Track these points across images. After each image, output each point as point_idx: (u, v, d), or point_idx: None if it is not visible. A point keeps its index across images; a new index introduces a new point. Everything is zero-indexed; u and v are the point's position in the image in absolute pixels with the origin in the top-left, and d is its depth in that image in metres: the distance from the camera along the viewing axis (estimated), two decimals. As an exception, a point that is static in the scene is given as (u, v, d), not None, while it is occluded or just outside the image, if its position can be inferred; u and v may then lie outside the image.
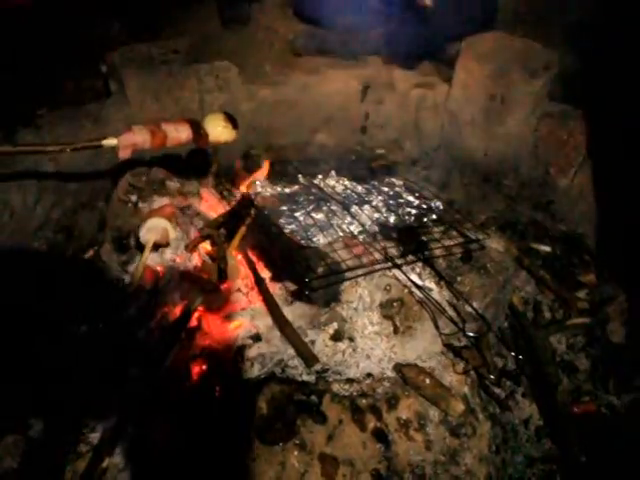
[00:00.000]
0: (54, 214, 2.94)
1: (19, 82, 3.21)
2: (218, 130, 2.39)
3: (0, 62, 3.25)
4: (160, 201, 2.80)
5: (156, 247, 2.56)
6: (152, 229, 2.55)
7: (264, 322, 2.33)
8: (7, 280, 2.45)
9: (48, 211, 2.90)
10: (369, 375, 2.18)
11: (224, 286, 2.35)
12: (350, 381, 2.13)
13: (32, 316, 2.34)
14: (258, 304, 2.40)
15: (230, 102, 3.58)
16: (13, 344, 2.20)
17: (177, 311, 2.32)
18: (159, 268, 2.53)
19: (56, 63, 3.50)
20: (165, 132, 2.25)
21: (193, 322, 2.30)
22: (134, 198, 2.78)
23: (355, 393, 2.09)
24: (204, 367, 2.20)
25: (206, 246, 2.55)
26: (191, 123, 2.33)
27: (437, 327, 2.27)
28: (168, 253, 2.59)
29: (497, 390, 2.40)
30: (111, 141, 2.18)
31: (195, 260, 2.55)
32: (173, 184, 2.92)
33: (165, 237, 2.58)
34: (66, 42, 3.64)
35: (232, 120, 2.43)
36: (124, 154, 2.21)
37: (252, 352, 2.23)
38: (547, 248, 3.17)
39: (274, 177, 2.93)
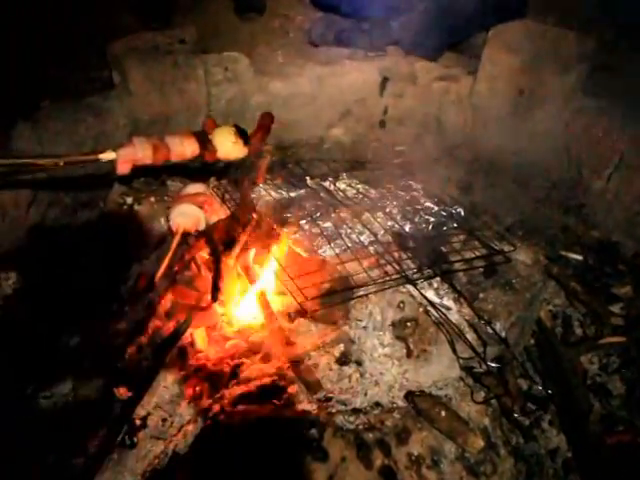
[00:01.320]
0: (51, 214, 2.76)
1: (21, 72, 3.06)
2: (227, 146, 2.20)
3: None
4: (194, 187, 2.67)
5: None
6: (184, 214, 2.45)
7: (263, 341, 2.13)
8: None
9: (44, 211, 2.72)
10: (377, 405, 1.98)
11: (219, 302, 2.15)
12: (356, 412, 1.93)
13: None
14: (258, 321, 2.20)
15: (239, 95, 3.43)
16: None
17: (170, 326, 2.14)
18: (155, 277, 2.34)
19: (63, 53, 3.34)
20: (169, 146, 2.07)
21: (186, 339, 2.11)
22: (129, 200, 2.61)
23: (361, 426, 1.88)
24: (197, 389, 2.01)
25: (204, 255, 2.35)
26: (198, 136, 2.14)
27: (454, 351, 2.06)
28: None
29: (521, 418, 2.18)
30: (109, 155, 2.00)
31: (192, 270, 2.36)
32: (174, 185, 2.74)
33: (195, 226, 2.48)
34: (74, 31, 3.48)
35: (243, 135, 2.24)
36: (123, 169, 2.03)
37: (249, 374, 2.02)
38: (578, 256, 2.93)
39: (280, 179, 2.71)
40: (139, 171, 2.76)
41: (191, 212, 2.46)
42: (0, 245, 2.46)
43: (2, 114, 2.72)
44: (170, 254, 2.31)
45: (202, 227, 2.50)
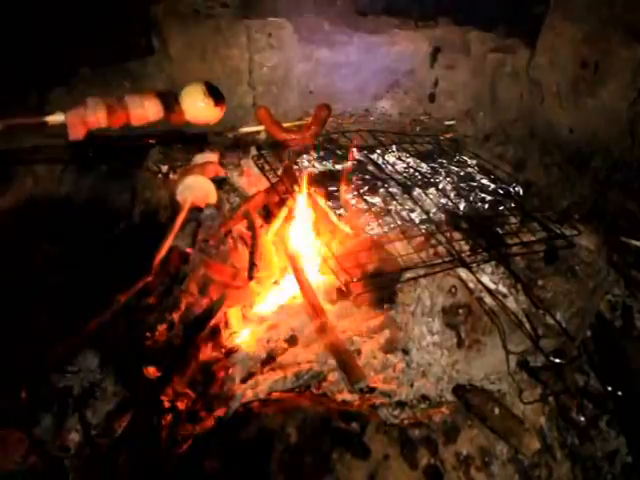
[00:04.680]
0: (85, 181, 2.67)
1: (58, 38, 2.96)
2: (196, 107, 1.99)
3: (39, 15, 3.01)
4: (204, 156, 2.52)
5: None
6: (192, 187, 2.27)
7: (302, 323, 2.00)
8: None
9: (77, 178, 2.63)
10: (424, 398, 1.82)
11: (255, 280, 2.01)
12: (401, 405, 1.77)
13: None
14: (297, 301, 2.07)
15: (283, 63, 3.28)
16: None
17: (203, 303, 2.01)
18: (188, 250, 2.21)
19: (102, 18, 3.23)
20: (127, 108, 1.89)
21: (220, 319, 1.99)
22: (165, 168, 2.49)
23: (406, 421, 1.72)
24: (230, 372, 1.89)
25: (242, 228, 2.21)
26: (162, 97, 1.95)
27: (505, 346, 1.89)
28: (200, 233, 2.28)
29: (577, 417, 2.01)
30: (57, 117, 1.83)
31: (229, 244, 2.22)
32: (212, 154, 2.61)
33: (205, 199, 2.32)
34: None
35: (215, 94, 2.02)
36: (75, 134, 1.86)
37: (286, 358, 1.89)
38: (640, 244, 2.71)
39: (324, 150, 2.54)
40: (175, 138, 2.67)
41: (199, 185, 2.29)
42: (33, 211, 2.38)
43: (38, 79, 2.64)
44: (174, 230, 2.15)
45: (213, 200, 2.34)
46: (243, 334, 1.98)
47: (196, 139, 2.73)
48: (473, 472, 1.69)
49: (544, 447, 1.80)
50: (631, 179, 3.07)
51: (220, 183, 2.47)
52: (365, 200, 2.15)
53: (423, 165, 2.45)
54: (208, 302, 1.99)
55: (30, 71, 2.65)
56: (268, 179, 2.34)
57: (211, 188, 2.31)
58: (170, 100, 1.95)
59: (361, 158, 2.46)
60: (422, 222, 2.12)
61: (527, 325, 1.92)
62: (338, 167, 2.36)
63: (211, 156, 2.51)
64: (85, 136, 1.90)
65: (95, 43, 3.05)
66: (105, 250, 2.33)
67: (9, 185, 2.40)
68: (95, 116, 1.84)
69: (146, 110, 1.93)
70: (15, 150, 2.36)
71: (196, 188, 2.28)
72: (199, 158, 2.50)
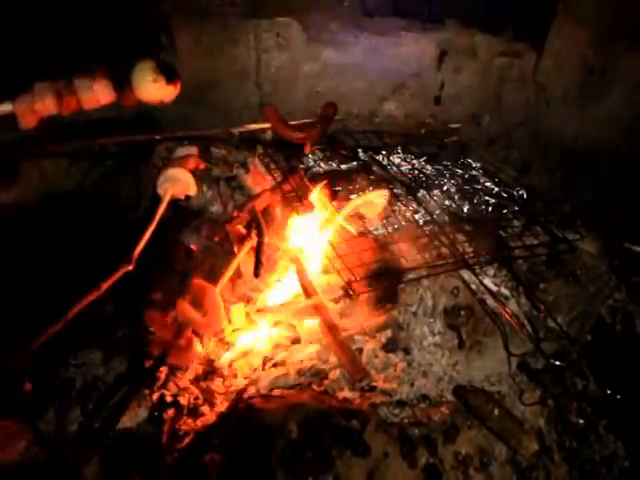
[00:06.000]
0: (91, 176, 2.68)
1: (67, 31, 2.97)
2: (146, 85, 1.91)
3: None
4: (185, 149, 2.51)
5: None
6: (171, 180, 2.26)
7: (305, 321, 2.01)
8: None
9: (85, 173, 2.64)
10: (424, 398, 1.82)
11: (259, 279, 2.00)
12: (401, 404, 1.78)
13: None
14: (300, 298, 2.06)
15: (290, 62, 3.27)
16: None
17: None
18: (193, 247, 2.23)
19: (110, 13, 3.24)
20: (76, 92, 1.84)
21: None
22: (171, 166, 2.49)
23: (406, 420, 1.73)
24: (232, 368, 1.91)
25: (240, 229, 2.20)
26: (113, 76, 1.89)
27: (506, 346, 1.90)
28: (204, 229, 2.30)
29: (576, 420, 2.02)
30: (5, 107, 1.79)
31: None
32: (218, 151, 2.62)
33: (184, 191, 2.32)
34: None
35: (167, 72, 1.95)
36: (27, 122, 1.81)
37: (288, 355, 1.91)
38: (642, 250, 2.71)
39: (330, 151, 2.55)
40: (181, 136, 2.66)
41: (179, 177, 2.28)
42: (40, 206, 2.39)
43: (45, 72, 2.64)
44: (155, 222, 2.10)
45: (192, 192, 2.34)
46: (246, 331, 1.99)
47: (202, 137, 2.74)
48: (471, 472, 1.70)
49: (542, 449, 1.81)
50: (635, 185, 3.07)
51: (229, 181, 2.49)
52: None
53: (428, 167, 2.48)
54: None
55: (37, 64, 2.66)
56: (274, 178, 2.35)
57: (191, 180, 2.30)
58: (121, 80, 1.89)
59: (366, 159, 2.47)
60: (426, 223, 2.14)
61: (528, 327, 1.93)
62: (344, 167, 2.38)
63: (192, 149, 2.50)
64: (37, 124, 1.86)
65: (104, 38, 3.06)
66: (110, 244, 2.34)
67: (15, 179, 2.41)
68: (43, 103, 1.80)
69: (96, 93, 1.87)
70: (21, 144, 2.36)
71: (176, 180, 2.27)
72: (180, 151, 2.49)
